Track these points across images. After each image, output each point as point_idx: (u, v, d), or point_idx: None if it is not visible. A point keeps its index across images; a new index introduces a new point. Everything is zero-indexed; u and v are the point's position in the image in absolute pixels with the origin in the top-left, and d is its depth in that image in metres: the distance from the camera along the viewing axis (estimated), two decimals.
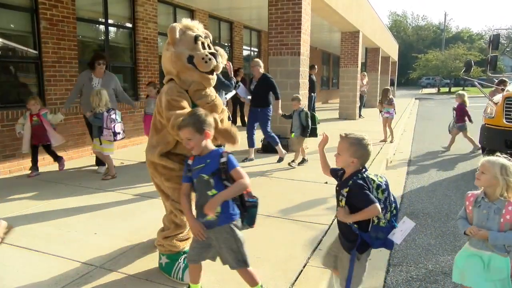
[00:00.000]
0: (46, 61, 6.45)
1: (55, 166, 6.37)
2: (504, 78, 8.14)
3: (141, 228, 3.76)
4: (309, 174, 5.90)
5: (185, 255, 2.87)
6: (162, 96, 2.80)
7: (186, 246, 2.95)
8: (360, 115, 15.16)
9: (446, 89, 45.31)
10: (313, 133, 6.44)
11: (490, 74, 8.39)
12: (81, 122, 7.03)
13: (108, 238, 3.55)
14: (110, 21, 7.94)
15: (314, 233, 3.68)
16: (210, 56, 2.84)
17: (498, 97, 6.88)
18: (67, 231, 3.73)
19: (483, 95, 7.49)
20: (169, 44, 2.90)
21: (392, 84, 29.66)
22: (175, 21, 9.82)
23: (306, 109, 6.61)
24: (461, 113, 8.57)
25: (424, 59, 41.96)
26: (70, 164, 6.57)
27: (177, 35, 2.85)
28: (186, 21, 2.97)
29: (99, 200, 4.70)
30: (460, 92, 9.39)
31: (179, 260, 2.86)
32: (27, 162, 5.99)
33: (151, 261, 3.10)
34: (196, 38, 2.87)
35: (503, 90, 7.17)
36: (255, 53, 15.06)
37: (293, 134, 6.52)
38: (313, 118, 6.48)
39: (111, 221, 4.00)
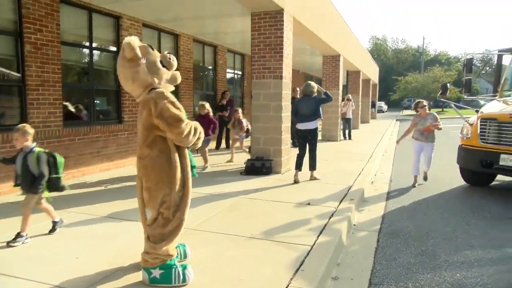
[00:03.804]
0: (29, 84, 6.45)
1: None
2: (420, 100, 7.66)
3: (124, 251, 3.74)
4: (292, 196, 5.96)
5: (176, 258, 3.14)
6: (160, 100, 2.93)
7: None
8: (349, 137, 15.33)
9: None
10: (56, 185, 4.14)
11: (465, 97, 8.71)
12: (64, 145, 7.02)
13: (90, 261, 3.53)
14: (94, 45, 8.01)
15: (297, 254, 3.72)
16: (169, 55, 3.18)
17: (473, 119, 7.14)
18: (48, 255, 3.69)
19: (459, 116, 7.73)
20: (134, 60, 2.99)
21: (373, 106, 30.30)
22: (159, 45, 9.95)
23: (38, 148, 4.09)
24: (208, 124, 8.12)
25: (404, 81, 43.11)
26: None
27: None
28: (129, 39, 3.07)
29: (80, 222, 4.66)
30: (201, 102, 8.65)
31: (175, 265, 3.04)
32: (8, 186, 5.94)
33: (135, 280, 3.09)
34: (150, 46, 3.12)
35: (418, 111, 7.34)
36: (239, 76, 15.27)
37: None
38: (55, 163, 4.11)
39: (93, 244, 3.97)
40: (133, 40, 3.00)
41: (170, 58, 3.18)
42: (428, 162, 7.47)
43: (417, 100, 7.84)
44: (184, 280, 3.03)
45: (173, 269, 3.01)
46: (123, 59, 3.02)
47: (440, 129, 7.27)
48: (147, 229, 3.09)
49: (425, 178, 7.63)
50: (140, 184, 3.11)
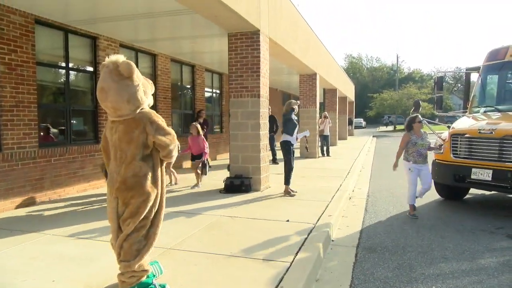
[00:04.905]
0: (3, 105, 6.36)
1: (7, 213, 6.16)
2: (416, 115, 6.62)
3: (102, 272, 3.68)
4: (271, 213, 5.99)
5: (153, 276, 3.14)
6: (155, 118, 3.08)
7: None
8: (327, 154, 15.59)
9: (402, 127, 47.48)
10: None
11: (437, 113, 8.99)
12: (39, 167, 6.90)
13: (68, 284, 3.46)
14: (71, 65, 7.97)
15: (276, 271, 3.74)
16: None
17: (446, 134, 7.37)
18: (23, 279, 3.60)
19: (432, 132, 7.95)
20: (132, 80, 3.08)
21: (350, 123, 30.84)
22: (137, 65, 9.94)
23: None
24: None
25: (379, 98, 44.12)
26: (27, 210, 6.35)
27: None
28: (122, 57, 3.20)
29: (57, 244, 4.57)
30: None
31: (153, 284, 3.02)
32: None
33: None
34: None
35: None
36: (217, 94, 15.36)
37: None
38: None
39: (70, 266, 3.90)
40: (128, 61, 3.10)
41: (151, 83, 3.34)
42: (429, 186, 6.46)
43: (413, 115, 6.69)
44: None
45: None
46: (118, 76, 3.03)
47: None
48: (122, 247, 3.01)
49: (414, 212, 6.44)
50: (116, 203, 3.05)
